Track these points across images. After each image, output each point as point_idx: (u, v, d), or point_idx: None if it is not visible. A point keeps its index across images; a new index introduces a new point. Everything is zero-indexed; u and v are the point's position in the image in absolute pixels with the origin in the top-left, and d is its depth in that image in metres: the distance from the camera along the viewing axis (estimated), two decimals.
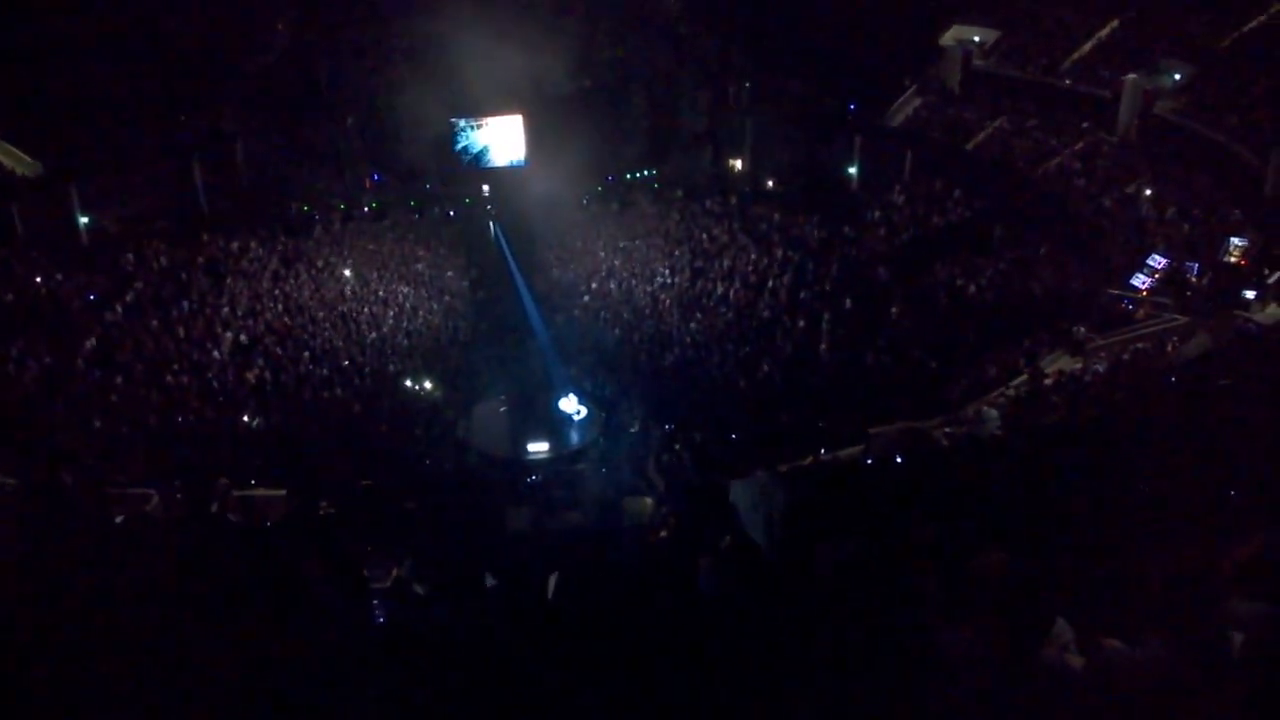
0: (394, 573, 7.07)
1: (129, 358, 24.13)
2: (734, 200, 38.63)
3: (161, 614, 4.47)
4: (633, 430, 23.12)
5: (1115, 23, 32.73)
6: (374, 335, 28.76)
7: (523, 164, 40.50)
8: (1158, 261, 23.56)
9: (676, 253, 34.27)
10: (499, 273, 35.00)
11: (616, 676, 3.96)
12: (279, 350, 26.01)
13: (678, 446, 20.11)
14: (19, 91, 32.10)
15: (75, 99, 32.82)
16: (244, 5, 38.65)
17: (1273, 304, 19.47)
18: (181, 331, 26.04)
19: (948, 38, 37.14)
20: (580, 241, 37.60)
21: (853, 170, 38.60)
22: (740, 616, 4.59)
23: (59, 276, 28.53)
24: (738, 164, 42.44)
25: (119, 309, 26.96)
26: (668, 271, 32.84)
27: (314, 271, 32.50)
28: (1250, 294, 20.03)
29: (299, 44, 39.76)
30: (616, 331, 29.40)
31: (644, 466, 19.47)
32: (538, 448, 22.94)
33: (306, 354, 26.01)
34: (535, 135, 39.99)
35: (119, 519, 8.57)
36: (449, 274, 35.39)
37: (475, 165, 40.77)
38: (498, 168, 40.83)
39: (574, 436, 24.16)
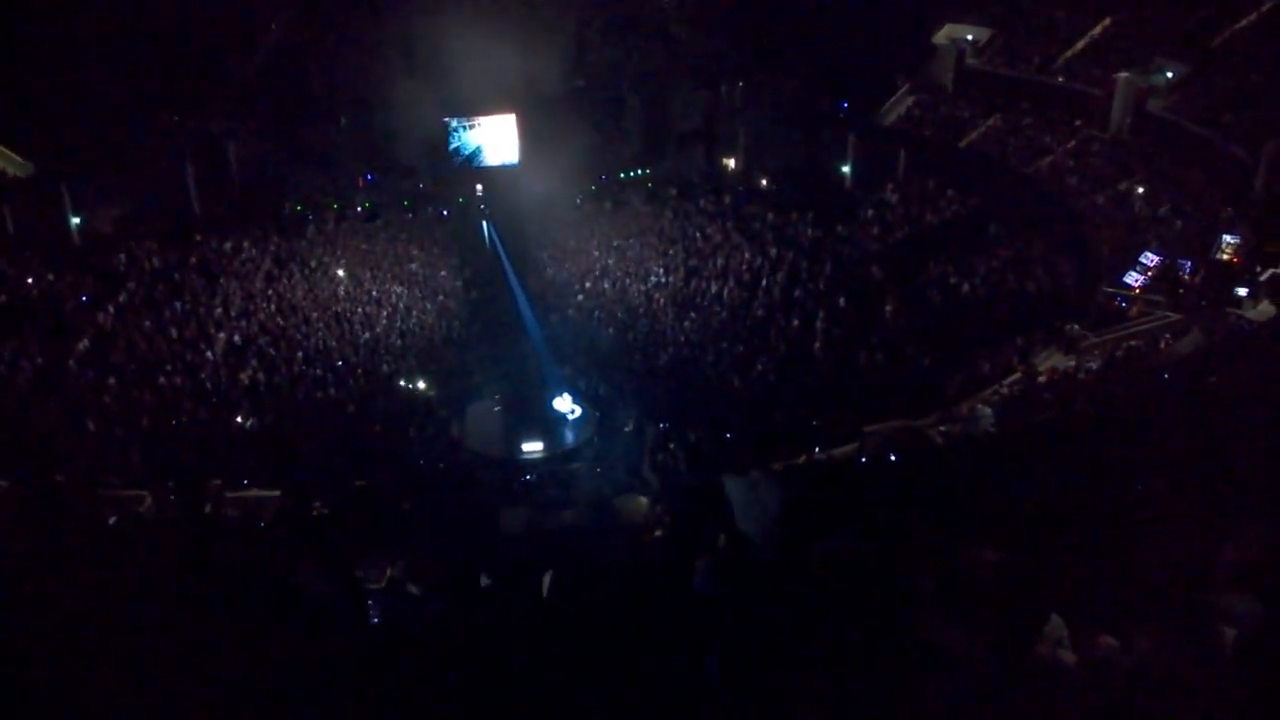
0: (388, 573, 7.05)
1: (121, 359, 24.06)
2: (728, 199, 38.62)
3: (155, 615, 4.46)
4: (627, 430, 23.09)
5: (1107, 21, 32.82)
6: (367, 335, 28.71)
7: (516, 164, 40.46)
8: (1150, 259, 23.62)
9: (670, 252, 34.25)
10: (493, 272, 34.97)
11: (611, 676, 3.96)
12: (272, 351, 25.96)
13: (672, 446, 20.07)
14: (10, 91, 31.98)
15: (67, 99, 32.70)
16: (236, 5, 38.53)
17: (1265, 301, 19.50)
18: (174, 332, 25.98)
19: (941, 36, 37.19)
20: (574, 241, 37.56)
21: (846, 169, 38.63)
22: (735, 615, 4.59)
23: (51, 277, 28.45)
24: (731, 163, 42.45)
25: (111, 310, 26.89)
26: (662, 270, 32.83)
27: (307, 271, 32.44)
28: (1242, 291, 20.07)
29: (291, 44, 39.65)
30: (610, 331, 29.37)
31: (638, 466, 19.43)
32: (532, 447, 22.92)
33: (300, 354, 25.95)
34: (528, 135, 39.97)
35: (112, 520, 8.56)
36: (442, 274, 35.33)
37: (468, 165, 40.73)
38: (491, 167, 40.79)
39: (568, 436, 24.14)
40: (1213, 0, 29.73)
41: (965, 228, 30.85)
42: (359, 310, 30.29)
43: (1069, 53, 33.38)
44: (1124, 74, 29.22)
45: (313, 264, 33.07)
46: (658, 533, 10.05)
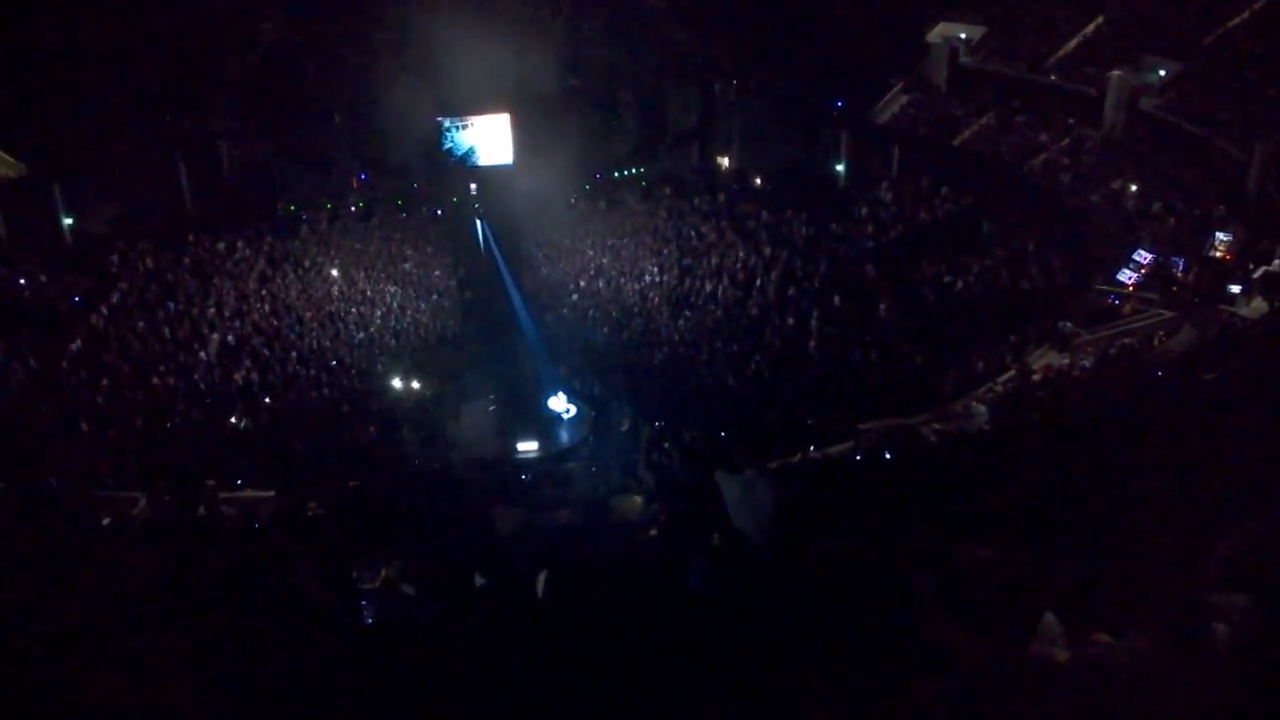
0: (383, 573, 7.05)
1: (115, 360, 24.01)
2: (722, 198, 38.62)
3: (149, 617, 4.45)
4: (622, 429, 23.11)
5: (1100, 19, 32.86)
6: (361, 335, 28.69)
7: (510, 164, 40.39)
8: (1144, 257, 23.67)
9: (665, 251, 34.27)
10: (487, 272, 34.92)
11: (606, 675, 3.96)
12: (266, 351, 25.92)
13: (667, 445, 20.10)
14: (3, 92, 31.85)
15: (59, 100, 32.58)
16: (230, 5, 38.42)
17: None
18: (168, 333, 25.94)
19: (934, 35, 37.20)
20: (568, 240, 37.56)
21: (840, 167, 38.64)
22: (730, 614, 4.59)
23: (43, 278, 28.36)
24: (725, 161, 42.41)
25: (104, 310, 26.82)
26: (656, 269, 32.85)
27: (301, 272, 32.40)
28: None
29: (285, 44, 39.55)
30: (605, 330, 29.41)
31: (633, 465, 19.45)
32: (527, 447, 22.92)
33: (294, 354, 25.93)
34: (522, 134, 39.89)
35: (106, 522, 8.54)
36: (436, 273, 35.31)
37: (462, 165, 40.66)
38: (485, 167, 40.72)
39: (563, 435, 24.17)
40: None
41: (959, 226, 30.89)
42: (353, 310, 30.27)
43: (1062, 51, 33.42)
44: (1117, 72, 29.27)
45: (306, 264, 33.03)
46: (652, 532, 10.06)
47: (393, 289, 32.81)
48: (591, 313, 30.90)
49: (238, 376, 24.25)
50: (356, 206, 39.38)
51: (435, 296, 33.32)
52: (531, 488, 19.52)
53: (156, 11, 35.48)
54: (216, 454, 19.93)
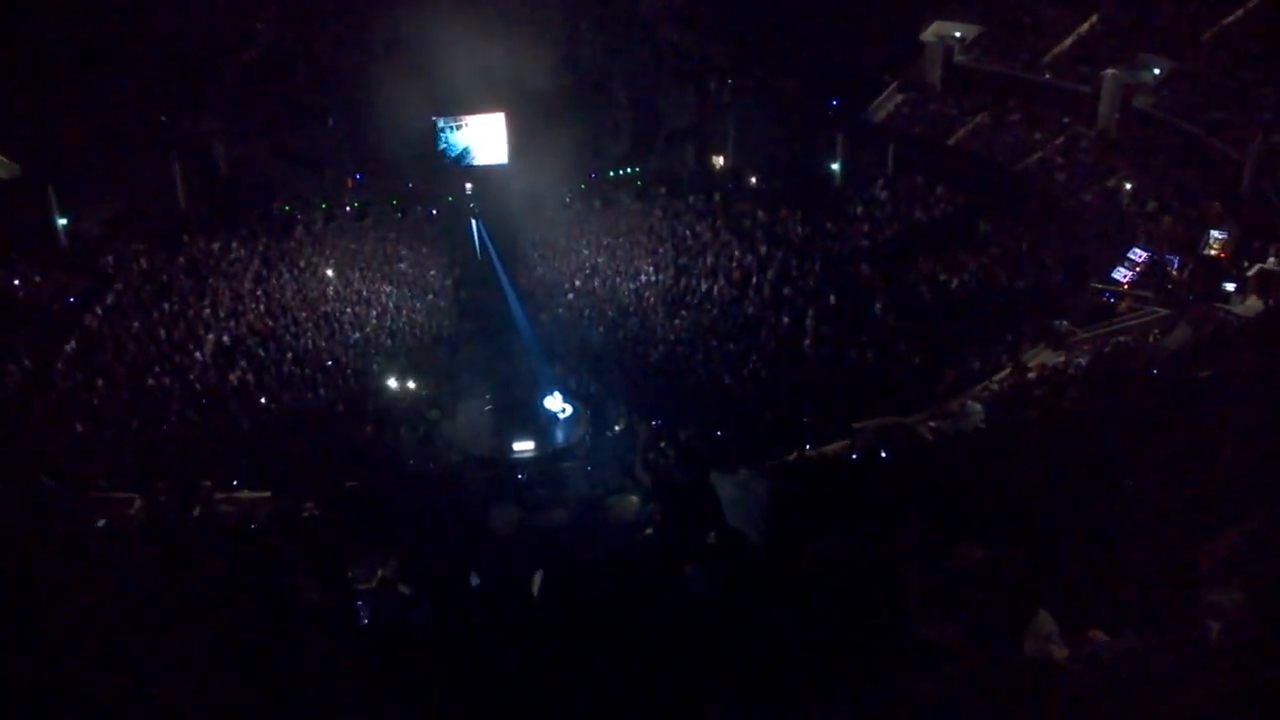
0: (379, 573, 7.04)
1: (110, 361, 23.96)
2: (717, 197, 38.58)
3: (145, 617, 4.44)
4: (618, 428, 23.12)
5: (1095, 18, 32.91)
6: (357, 335, 28.66)
7: (505, 164, 40.34)
8: (1138, 255, 23.71)
9: (660, 250, 34.26)
10: (482, 271, 34.90)
11: (602, 674, 3.96)
12: (261, 351, 25.89)
13: (663, 444, 20.11)
14: None
15: (53, 100, 32.48)
16: (224, 4, 38.34)
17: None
18: (163, 333, 25.89)
19: (929, 33, 37.23)
20: (564, 239, 37.52)
21: (835, 166, 38.63)
22: (726, 613, 4.59)
23: (38, 279, 28.28)
24: (720, 161, 42.38)
25: (99, 311, 26.77)
26: (651, 269, 32.85)
27: (296, 272, 32.35)
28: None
29: (279, 43, 39.48)
30: (601, 329, 29.40)
31: (629, 464, 19.43)
32: (523, 446, 22.92)
33: (289, 355, 25.90)
34: (517, 133, 39.84)
35: (101, 523, 8.53)
36: (432, 273, 35.27)
37: (457, 165, 40.61)
38: (480, 166, 40.67)
39: (559, 435, 24.16)
40: None
41: (954, 225, 30.92)
42: (348, 310, 30.23)
43: (1057, 49, 33.45)
44: (1111, 71, 29.31)
45: (301, 264, 32.98)
46: (649, 531, 10.05)
47: (388, 289, 32.77)
48: (587, 312, 30.90)
49: (233, 377, 24.21)
50: (351, 206, 39.30)
51: (431, 296, 33.29)
52: (527, 487, 19.52)
53: (151, 12, 35.39)
54: (212, 454, 19.91)
